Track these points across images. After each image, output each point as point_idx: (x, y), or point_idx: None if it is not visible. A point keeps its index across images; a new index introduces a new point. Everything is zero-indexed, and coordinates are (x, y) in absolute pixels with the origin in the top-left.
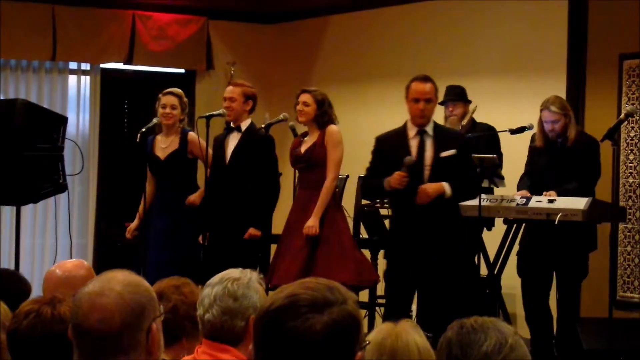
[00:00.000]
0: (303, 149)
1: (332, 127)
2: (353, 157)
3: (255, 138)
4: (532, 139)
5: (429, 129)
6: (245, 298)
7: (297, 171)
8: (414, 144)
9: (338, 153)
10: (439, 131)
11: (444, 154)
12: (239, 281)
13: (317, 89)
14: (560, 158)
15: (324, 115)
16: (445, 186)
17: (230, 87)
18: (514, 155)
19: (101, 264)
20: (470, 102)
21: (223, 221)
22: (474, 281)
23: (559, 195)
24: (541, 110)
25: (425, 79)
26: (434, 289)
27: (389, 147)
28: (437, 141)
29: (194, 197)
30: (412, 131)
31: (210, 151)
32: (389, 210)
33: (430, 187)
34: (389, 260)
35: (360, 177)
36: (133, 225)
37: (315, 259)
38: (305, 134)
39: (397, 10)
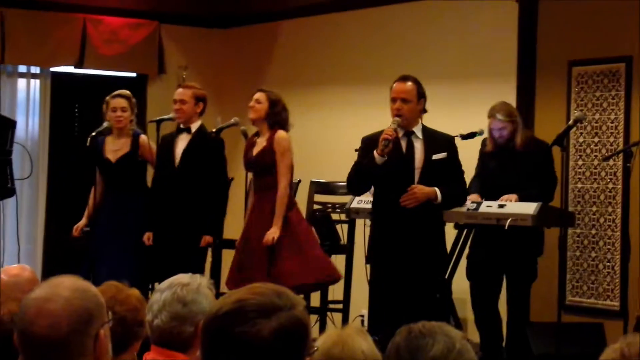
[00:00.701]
0: (255, 152)
1: (280, 133)
2: (305, 162)
3: (205, 140)
4: (483, 143)
5: (417, 130)
6: (194, 303)
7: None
8: (403, 144)
9: (287, 160)
10: (429, 134)
11: (435, 157)
12: (188, 286)
13: (272, 90)
14: (511, 161)
15: (276, 116)
16: (437, 191)
17: (180, 90)
18: (464, 162)
19: (50, 269)
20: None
21: (172, 223)
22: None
23: (521, 199)
24: (488, 118)
25: (404, 78)
26: (407, 294)
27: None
28: (426, 144)
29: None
30: (400, 132)
31: (153, 145)
32: (341, 215)
33: (421, 192)
34: (373, 266)
35: (311, 181)
36: (81, 223)
37: (275, 264)
38: (257, 134)
39: (348, 16)
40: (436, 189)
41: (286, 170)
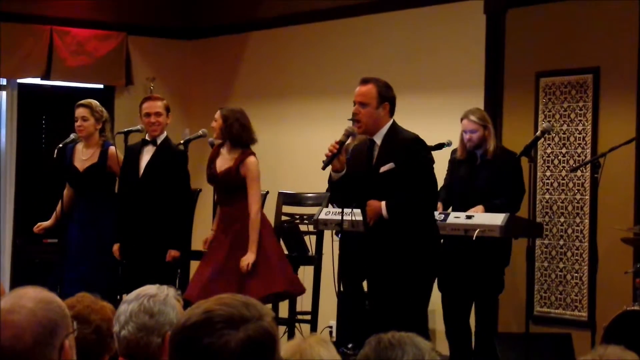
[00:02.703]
0: (219, 167)
1: (250, 160)
2: (273, 174)
3: (169, 152)
4: (453, 152)
5: (377, 137)
6: (161, 314)
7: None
8: (368, 153)
9: (257, 185)
10: (388, 140)
11: (383, 169)
12: (155, 297)
13: (234, 107)
14: (480, 170)
15: (230, 130)
16: (383, 207)
17: (154, 102)
18: None
19: (18, 281)
20: None
21: (138, 236)
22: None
23: (487, 210)
24: (461, 120)
25: (364, 80)
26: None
27: (353, 153)
28: (380, 153)
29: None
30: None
31: (120, 157)
32: (309, 226)
33: (369, 209)
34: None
35: (279, 192)
36: (46, 224)
37: (243, 276)
38: (222, 145)
39: (316, 27)
40: (382, 203)
41: (257, 196)
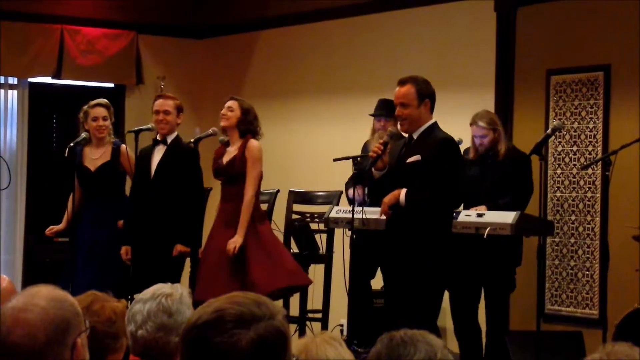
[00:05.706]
0: (225, 160)
1: (252, 142)
2: (283, 172)
3: (180, 150)
4: (466, 152)
5: (416, 134)
6: (179, 314)
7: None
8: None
9: (257, 169)
10: (423, 136)
11: (410, 159)
12: (172, 297)
13: (247, 100)
14: (491, 170)
15: (247, 125)
16: (402, 193)
17: (165, 100)
18: None
19: (30, 280)
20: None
21: (149, 235)
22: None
23: (489, 210)
24: (470, 125)
25: (402, 81)
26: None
27: (391, 151)
28: (411, 146)
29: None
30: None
31: (132, 155)
32: (319, 224)
33: (387, 196)
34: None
35: (290, 191)
36: (58, 227)
37: (245, 271)
38: (228, 144)
39: (326, 26)
40: (403, 190)
41: (255, 180)
